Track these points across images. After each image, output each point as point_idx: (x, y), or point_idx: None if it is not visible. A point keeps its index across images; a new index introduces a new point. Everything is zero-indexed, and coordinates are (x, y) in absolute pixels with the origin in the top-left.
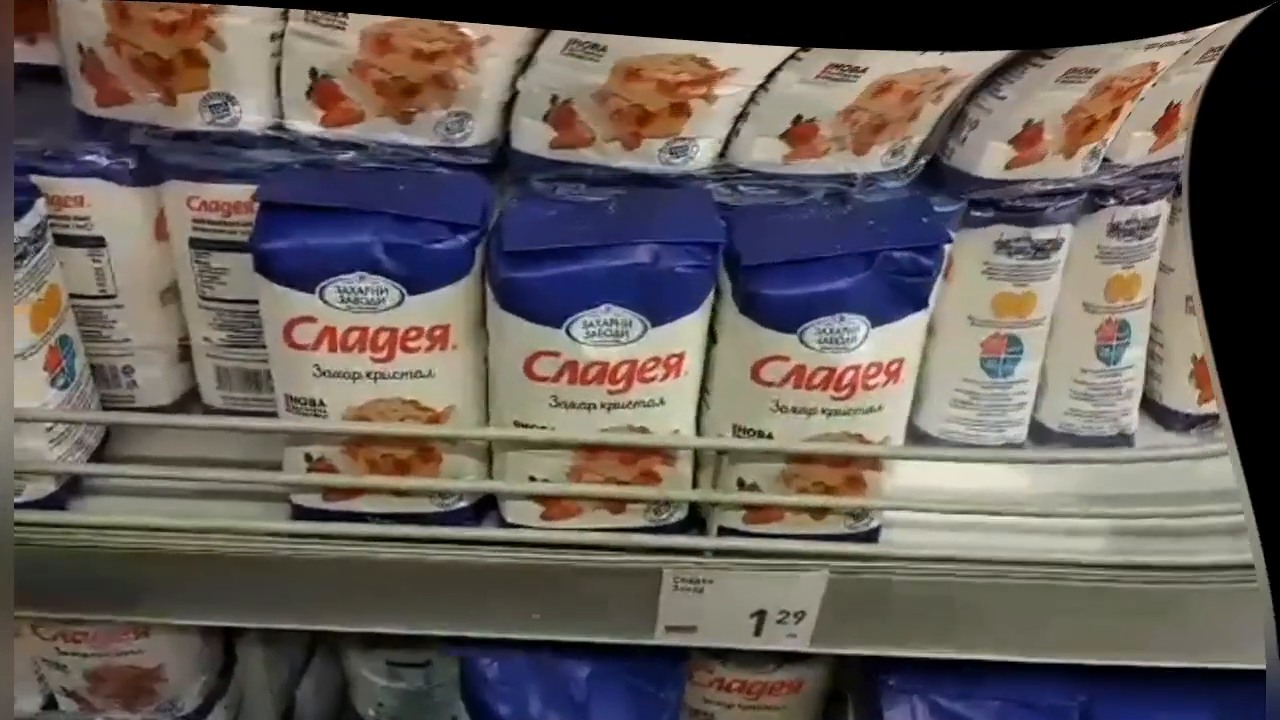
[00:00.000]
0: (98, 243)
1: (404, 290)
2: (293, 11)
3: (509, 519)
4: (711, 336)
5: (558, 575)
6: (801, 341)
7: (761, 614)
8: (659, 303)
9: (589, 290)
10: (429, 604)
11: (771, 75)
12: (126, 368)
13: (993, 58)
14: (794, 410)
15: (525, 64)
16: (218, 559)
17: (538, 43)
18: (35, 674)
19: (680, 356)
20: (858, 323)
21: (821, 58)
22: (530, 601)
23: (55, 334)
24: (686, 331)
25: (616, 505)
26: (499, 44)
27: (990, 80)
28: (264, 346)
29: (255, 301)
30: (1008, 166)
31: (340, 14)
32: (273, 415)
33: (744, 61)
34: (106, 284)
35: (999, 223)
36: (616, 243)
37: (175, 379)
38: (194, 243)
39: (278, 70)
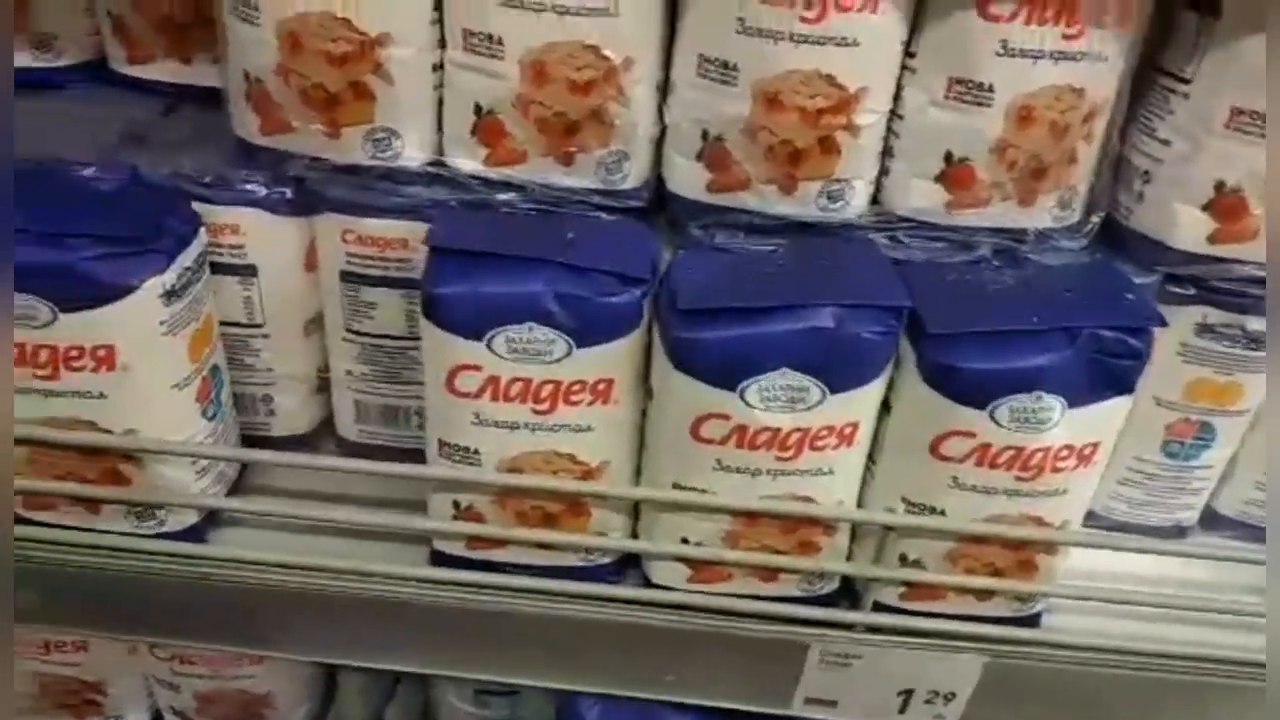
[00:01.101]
0: (250, 272)
1: (572, 342)
2: (450, 39)
3: (654, 579)
4: (884, 405)
5: (700, 639)
6: (992, 419)
7: (909, 693)
8: (839, 369)
9: (767, 353)
10: (562, 657)
11: (899, 96)
12: (266, 397)
13: (1116, 71)
14: (973, 488)
15: (665, 88)
16: (353, 599)
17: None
18: (145, 690)
19: (855, 426)
20: (1054, 403)
21: (939, 69)
22: (667, 663)
23: (208, 364)
24: (865, 400)
25: (769, 573)
26: (640, 65)
27: (1138, 114)
28: (407, 383)
29: (402, 337)
30: (1211, 240)
31: (496, 39)
32: (411, 452)
33: (867, 76)
34: (255, 313)
35: (1202, 304)
36: (795, 303)
37: (312, 409)
38: (345, 276)
39: (439, 105)
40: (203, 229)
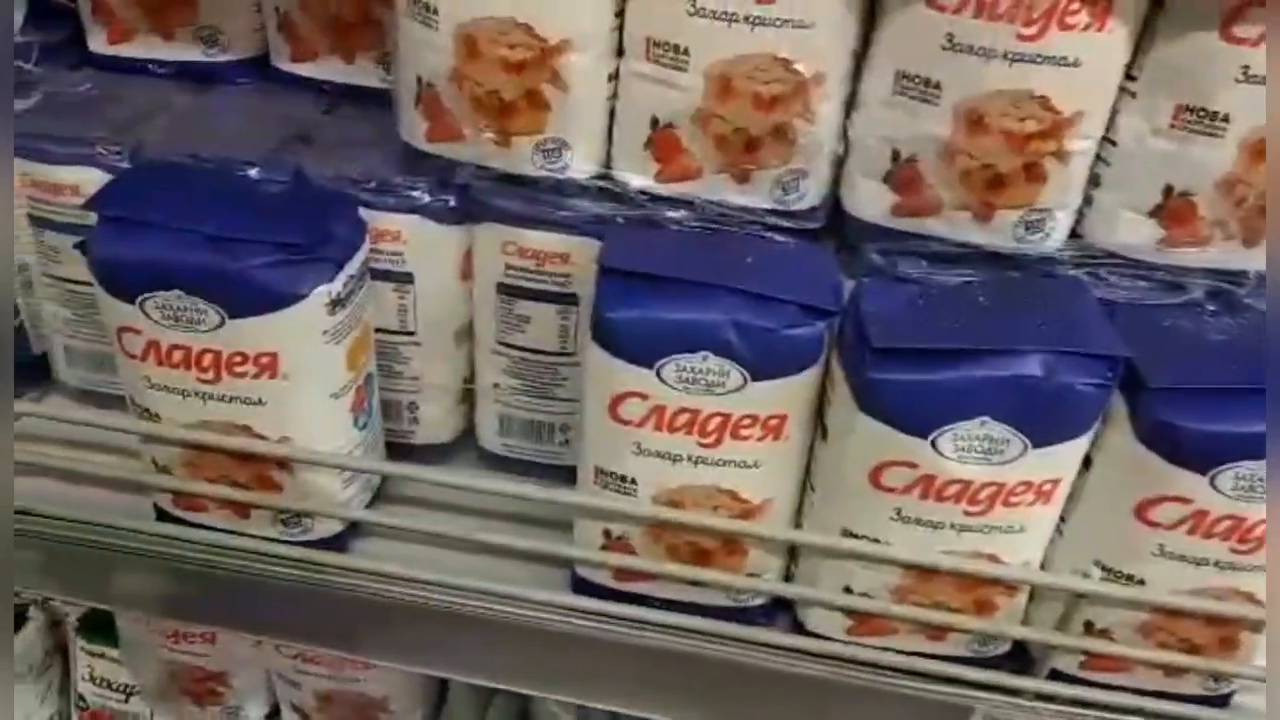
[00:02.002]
0: (407, 279)
1: (748, 375)
2: (630, 47)
3: (810, 626)
4: (1084, 460)
5: (853, 693)
6: (1213, 485)
7: None
8: (1045, 422)
9: (966, 400)
10: (703, 698)
11: (1113, 121)
12: (412, 404)
13: None
14: (1182, 558)
15: (850, 104)
16: (488, 619)
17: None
18: (267, 685)
19: (1055, 483)
20: None
21: (1165, 95)
22: (815, 714)
23: (363, 373)
24: (1069, 456)
25: (937, 630)
26: (831, 80)
27: None
28: (555, 399)
29: (554, 353)
30: None
31: (683, 49)
32: (553, 467)
33: (1085, 100)
34: (408, 320)
35: None
36: (1000, 347)
37: (456, 418)
38: (501, 287)
39: (610, 116)
40: (367, 237)
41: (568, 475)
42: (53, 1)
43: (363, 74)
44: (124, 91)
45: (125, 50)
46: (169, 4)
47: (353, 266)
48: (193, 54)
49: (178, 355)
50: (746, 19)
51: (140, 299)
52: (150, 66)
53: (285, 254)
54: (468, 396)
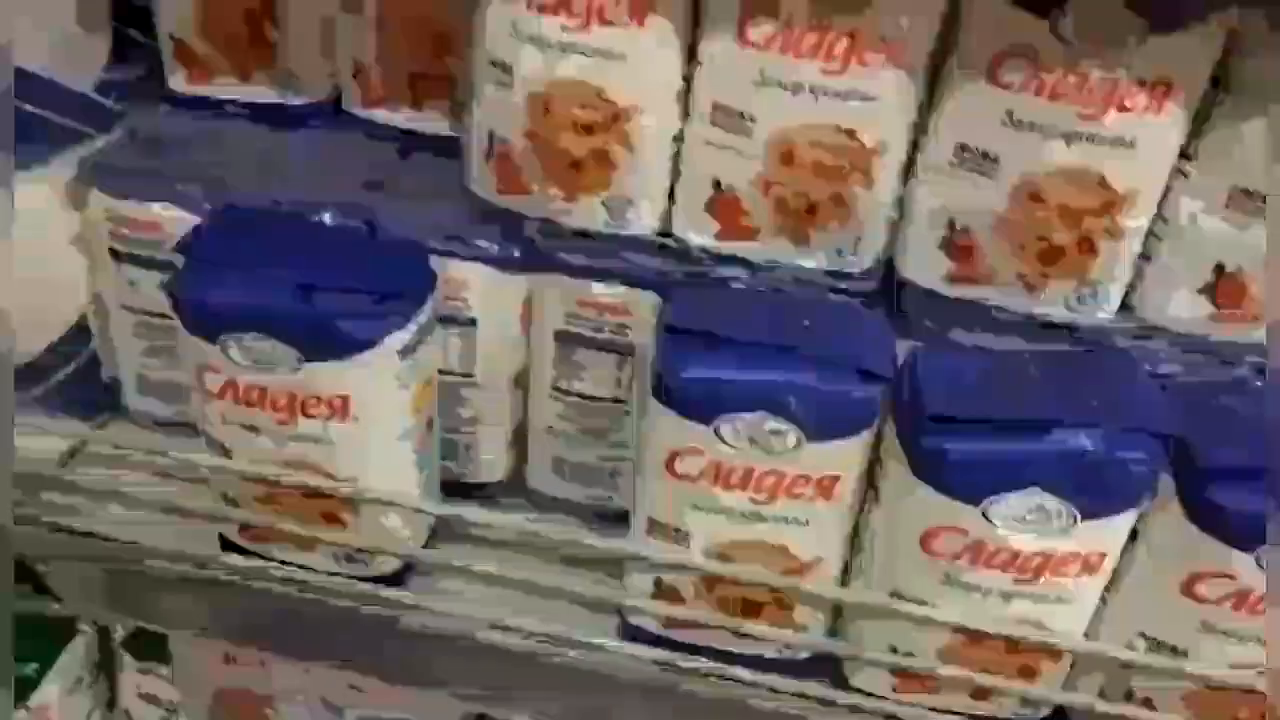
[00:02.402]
0: (470, 324)
1: (803, 436)
2: (696, 111)
3: (855, 682)
4: (1131, 533)
5: None
6: (1258, 563)
7: None
8: (1096, 495)
9: (1018, 471)
10: None
11: (1166, 197)
12: (468, 445)
13: None
14: (1226, 633)
15: (908, 171)
16: (537, 659)
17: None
18: (315, 710)
19: (1103, 555)
20: None
21: (1220, 177)
22: None
23: (428, 415)
24: (1118, 529)
25: (982, 692)
26: (893, 150)
27: None
28: (606, 444)
29: (608, 400)
30: None
31: (748, 116)
32: (602, 511)
33: (1140, 180)
34: (469, 364)
35: None
36: (1053, 419)
37: (509, 459)
38: (560, 335)
39: (675, 176)
40: (438, 286)
41: (616, 518)
42: (134, 40)
43: (432, 120)
44: (202, 130)
45: (204, 90)
46: (248, 48)
47: (423, 315)
48: (268, 96)
49: (254, 394)
50: (812, 90)
51: (222, 340)
52: (227, 106)
53: (362, 302)
54: (521, 438)
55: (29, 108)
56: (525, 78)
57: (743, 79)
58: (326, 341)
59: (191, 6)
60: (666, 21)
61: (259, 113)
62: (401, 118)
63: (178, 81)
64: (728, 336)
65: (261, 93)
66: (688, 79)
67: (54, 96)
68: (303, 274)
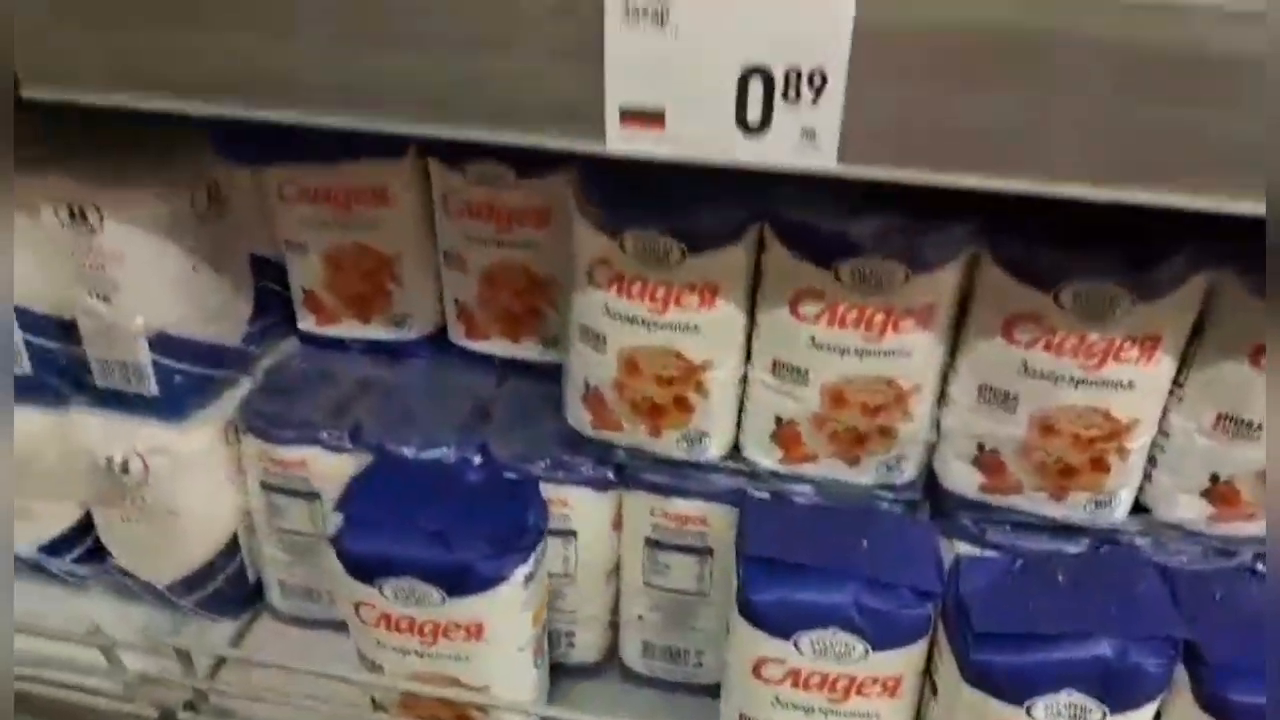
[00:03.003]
0: (570, 535)
1: (870, 646)
2: (758, 363)
3: None
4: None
5: None
6: None
7: None
8: (1120, 692)
9: (1053, 676)
10: None
11: (1165, 416)
12: (569, 633)
13: None
14: None
15: (941, 397)
16: None
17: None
18: None
19: None
20: None
21: (1207, 403)
22: None
23: (542, 624)
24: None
25: None
26: (926, 390)
27: None
28: (691, 629)
29: (691, 592)
30: None
31: (803, 370)
32: (690, 686)
33: (1140, 411)
34: (570, 566)
35: None
36: (1080, 630)
37: (603, 642)
38: (649, 541)
39: (741, 412)
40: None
41: (701, 691)
42: (269, 288)
43: (527, 350)
44: (328, 365)
45: (329, 331)
46: (370, 297)
47: (540, 547)
48: (384, 334)
49: (404, 624)
50: (857, 351)
51: (377, 583)
52: (349, 343)
53: (492, 545)
54: (614, 625)
55: (191, 369)
56: (615, 345)
57: (797, 343)
58: (464, 581)
59: (320, 266)
60: (730, 303)
61: (375, 346)
62: (501, 347)
63: (307, 324)
64: (798, 562)
65: (379, 331)
66: (749, 338)
67: (209, 355)
68: (440, 521)
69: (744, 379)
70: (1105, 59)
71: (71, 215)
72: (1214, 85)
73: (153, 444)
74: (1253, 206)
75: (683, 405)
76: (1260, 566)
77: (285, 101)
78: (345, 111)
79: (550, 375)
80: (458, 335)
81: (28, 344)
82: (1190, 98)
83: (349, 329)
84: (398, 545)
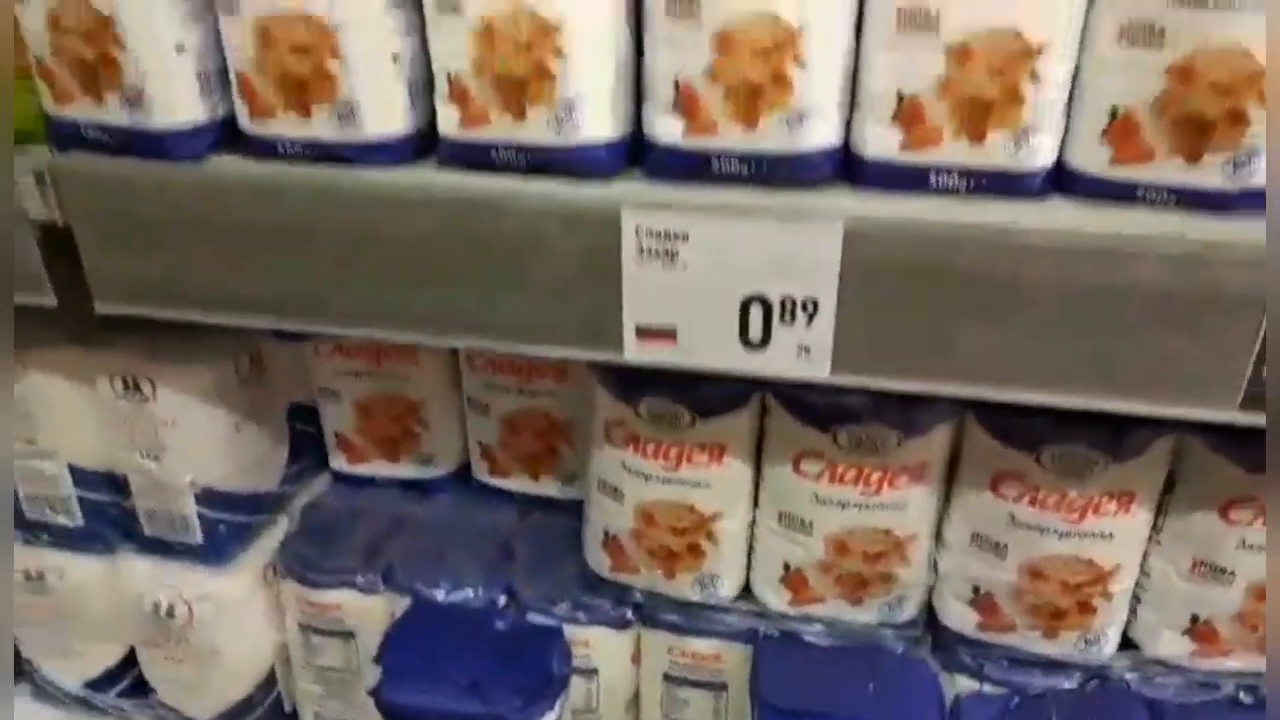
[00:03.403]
0: (592, 672)
1: None
2: (765, 514)
3: None
4: None
5: None
6: None
7: None
8: None
9: None
10: None
11: (1147, 559)
12: None
13: None
14: None
15: (937, 541)
16: None
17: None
18: None
19: None
20: None
21: (1182, 548)
22: None
23: None
24: None
25: None
26: (921, 538)
27: None
28: None
29: None
30: None
31: (807, 522)
32: None
33: (1120, 559)
34: (592, 702)
35: None
36: None
37: None
38: (666, 677)
39: (751, 555)
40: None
41: None
42: (302, 430)
43: (547, 487)
44: (359, 503)
45: (359, 469)
46: (398, 439)
47: (564, 694)
48: (412, 472)
49: None
50: (856, 505)
51: None
52: (378, 478)
53: (521, 696)
54: None
55: (233, 517)
56: (632, 498)
57: (801, 498)
58: None
59: (352, 412)
60: (738, 460)
61: (404, 482)
62: (519, 484)
63: (339, 463)
64: (809, 709)
65: (407, 470)
66: (757, 488)
67: (250, 503)
68: (472, 670)
69: (753, 524)
70: (1056, 292)
71: (126, 386)
72: (1147, 313)
73: (198, 590)
74: (1204, 414)
75: (696, 552)
76: (1244, 697)
77: (326, 320)
78: (380, 327)
79: (569, 510)
80: (481, 473)
81: (80, 499)
82: (1132, 324)
83: (378, 468)
84: (434, 697)
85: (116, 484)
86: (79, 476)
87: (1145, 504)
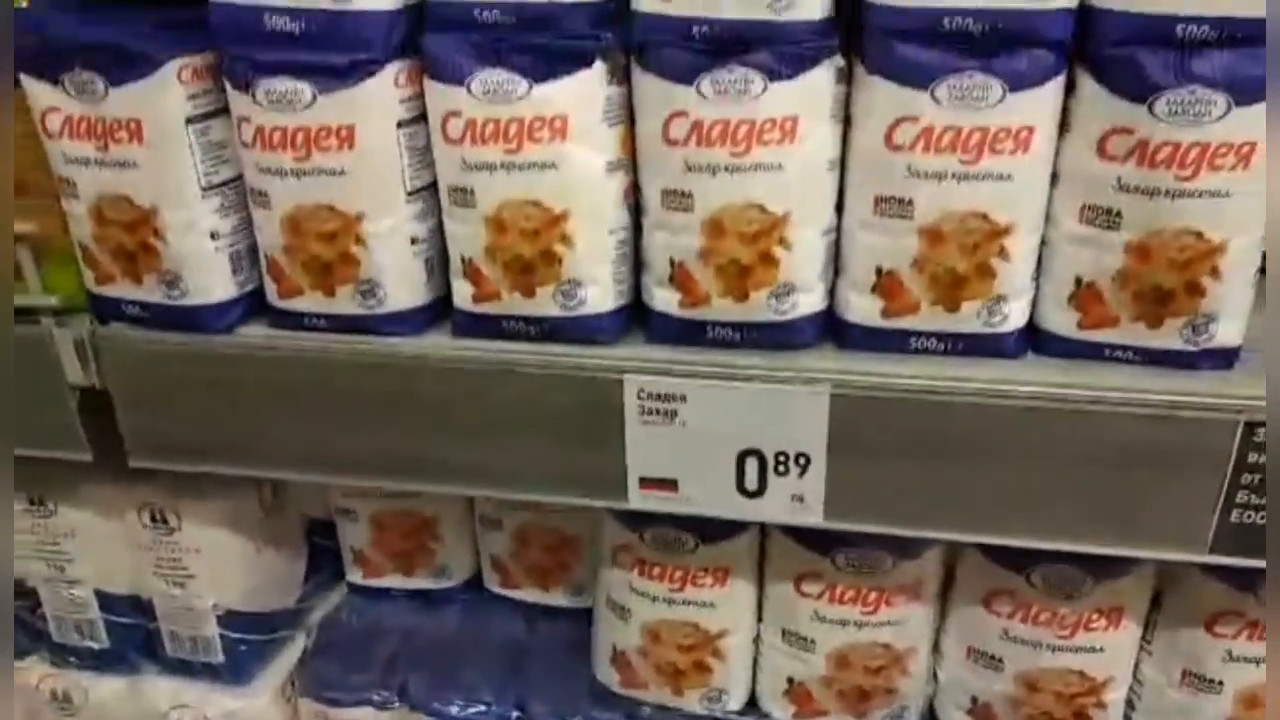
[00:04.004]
0: None
1: None
2: (768, 630)
3: None
4: None
5: None
6: None
7: None
8: None
9: None
10: None
11: (1139, 667)
12: None
13: None
14: None
15: (935, 652)
16: None
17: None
18: None
19: None
20: None
21: (1171, 661)
22: None
23: None
24: None
25: None
26: (921, 650)
27: None
28: None
29: None
30: None
31: (809, 639)
32: None
33: (1112, 670)
34: None
35: None
36: None
37: None
38: None
39: (756, 669)
40: None
41: None
42: (320, 545)
43: (556, 598)
44: (375, 615)
45: (375, 582)
46: (413, 554)
47: None
48: (426, 584)
49: None
50: (856, 623)
51: None
52: (392, 592)
53: None
54: None
55: (253, 637)
56: (639, 617)
57: (802, 616)
58: None
59: (369, 530)
60: (741, 580)
61: (419, 594)
62: (529, 594)
63: (355, 577)
64: None
65: (421, 582)
66: (760, 606)
67: (269, 623)
68: None
69: (757, 639)
70: (1031, 445)
71: (154, 519)
72: (1117, 464)
73: (219, 709)
74: (1175, 556)
75: (702, 668)
76: None
77: (347, 474)
78: (402, 480)
79: (579, 618)
80: (493, 583)
81: (106, 622)
82: (1103, 475)
83: (393, 580)
84: None
85: (141, 607)
86: (105, 601)
87: (1134, 619)
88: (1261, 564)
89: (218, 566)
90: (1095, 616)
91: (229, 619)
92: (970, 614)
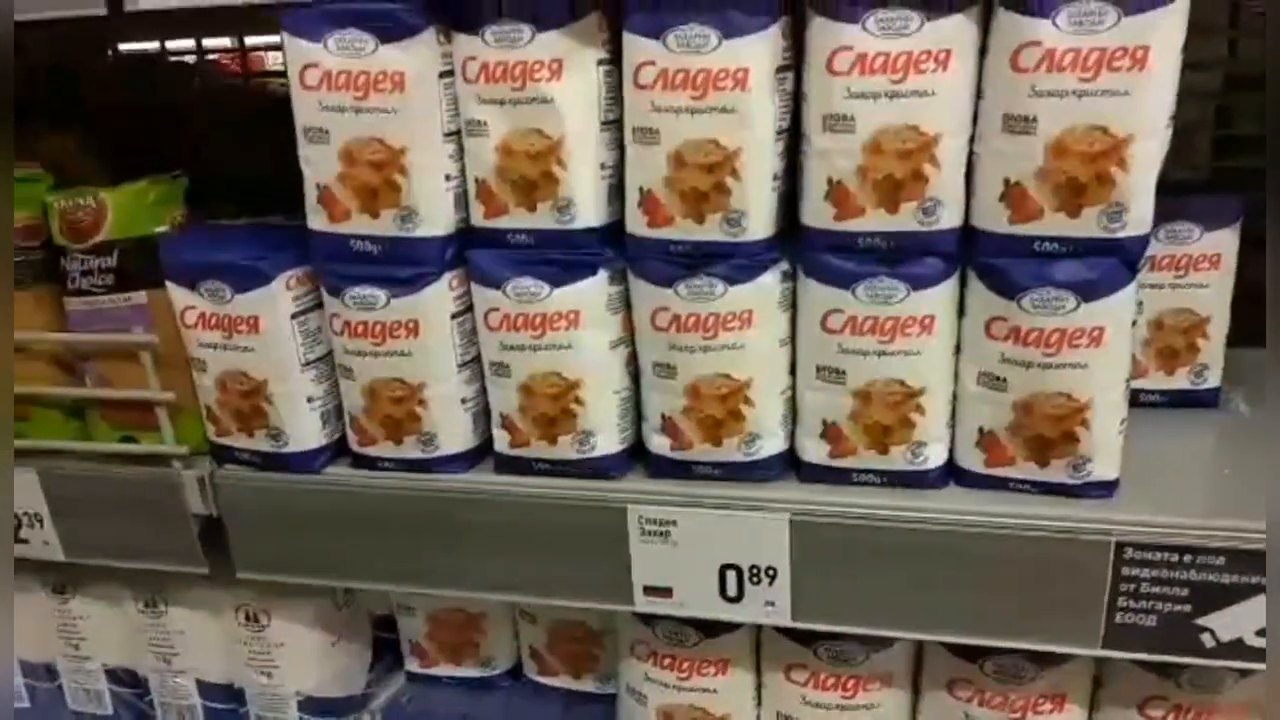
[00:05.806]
0: None
1: None
2: (765, 709)
3: None
4: None
5: None
6: None
7: None
8: None
9: None
10: None
11: None
12: None
13: None
14: None
15: None
16: None
17: None
18: None
19: None
20: None
21: None
22: None
23: None
24: None
25: None
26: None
27: None
28: None
29: None
30: None
31: (799, 718)
32: None
33: None
34: None
35: None
36: None
37: None
38: None
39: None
40: None
41: None
42: (381, 637)
43: (587, 685)
44: (430, 700)
45: (429, 670)
46: (463, 646)
47: None
48: (474, 672)
49: None
50: (839, 706)
51: None
52: (444, 680)
53: None
54: None
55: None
56: (653, 704)
57: (793, 700)
58: None
59: (424, 624)
60: (740, 669)
61: (467, 680)
62: (565, 682)
63: (413, 666)
64: None
65: (470, 670)
66: (759, 693)
67: (340, 707)
68: None
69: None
70: (952, 559)
71: (248, 618)
72: (1021, 575)
73: None
74: (1076, 651)
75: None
76: None
77: (409, 583)
78: (455, 588)
79: (607, 702)
80: (531, 672)
81: (205, 708)
82: (1012, 583)
83: (446, 669)
84: None
85: (235, 695)
86: (205, 689)
87: (1077, 703)
88: (1158, 658)
89: (299, 657)
90: (1041, 700)
91: (307, 703)
92: (936, 699)
